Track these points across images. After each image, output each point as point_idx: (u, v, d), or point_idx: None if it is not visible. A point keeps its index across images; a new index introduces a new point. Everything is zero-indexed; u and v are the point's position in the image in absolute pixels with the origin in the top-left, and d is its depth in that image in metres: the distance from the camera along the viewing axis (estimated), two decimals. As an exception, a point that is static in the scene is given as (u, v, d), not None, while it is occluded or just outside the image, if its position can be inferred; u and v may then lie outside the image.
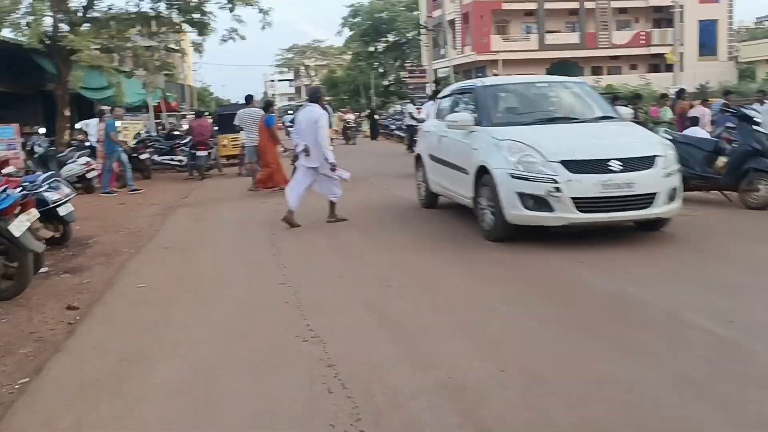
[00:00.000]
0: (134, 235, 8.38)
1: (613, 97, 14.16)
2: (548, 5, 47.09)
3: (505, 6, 46.06)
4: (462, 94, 8.58)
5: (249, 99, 14.02)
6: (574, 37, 48.33)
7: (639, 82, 34.65)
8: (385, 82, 61.27)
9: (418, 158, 9.56)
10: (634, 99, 14.77)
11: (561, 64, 46.46)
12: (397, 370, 3.58)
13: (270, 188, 11.95)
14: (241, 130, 14.17)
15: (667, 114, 13.57)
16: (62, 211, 7.74)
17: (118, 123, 14.29)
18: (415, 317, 4.53)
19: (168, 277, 6.11)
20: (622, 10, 49.07)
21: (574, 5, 47.69)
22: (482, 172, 6.82)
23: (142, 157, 15.90)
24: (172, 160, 17.40)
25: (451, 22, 47.20)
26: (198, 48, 21.69)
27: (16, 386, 3.69)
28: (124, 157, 13.73)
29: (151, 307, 5.13)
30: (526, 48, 47.30)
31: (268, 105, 13.32)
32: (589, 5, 47.41)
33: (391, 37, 61.91)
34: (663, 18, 50.71)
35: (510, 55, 46.08)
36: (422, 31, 52.23)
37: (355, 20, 61.22)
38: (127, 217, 9.94)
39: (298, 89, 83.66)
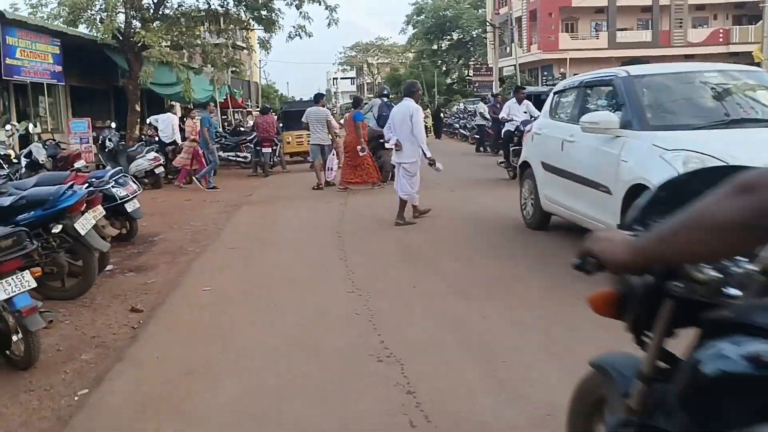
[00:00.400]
0: (199, 233, 8.24)
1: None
2: (620, 2, 45.52)
3: (575, 3, 44.70)
4: (591, 87, 6.76)
5: (318, 98, 13.80)
6: (646, 35, 46.68)
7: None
8: (449, 81, 60.68)
9: (524, 167, 7.87)
10: None
11: (632, 62, 44.92)
12: (486, 401, 3.19)
13: (357, 184, 11.81)
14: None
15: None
16: (129, 207, 7.65)
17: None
18: (499, 336, 4.12)
19: (233, 280, 5.89)
20: (699, 7, 47.07)
21: (647, 2, 46.00)
22: (636, 191, 4.90)
23: (208, 153, 15.95)
24: (237, 156, 17.43)
25: (518, 20, 46.15)
26: (264, 45, 21.73)
27: (75, 398, 3.47)
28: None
29: (216, 312, 4.90)
30: (595, 46, 45.94)
31: (357, 102, 13.16)
32: (663, 1, 45.63)
33: (455, 36, 61.24)
34: (744, 14, 48.45)
35: (578, 53, 44.84)
36: (488, 28, 51.56)
37: (420, 18, 60.80)
38: (193, 215, 9.86)
39: (360, 87, 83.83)
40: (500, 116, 13.30)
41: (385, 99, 13.38)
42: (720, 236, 1.11)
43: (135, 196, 7.74)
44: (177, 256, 6.93)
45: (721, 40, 47.20)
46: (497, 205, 9.14)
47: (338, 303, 4.98)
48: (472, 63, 62.13)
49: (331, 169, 13.06)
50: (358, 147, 11.43)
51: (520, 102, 12.97)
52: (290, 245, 7.41)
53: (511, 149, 11.80)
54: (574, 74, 43.82)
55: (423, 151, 8.10)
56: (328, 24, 17.58)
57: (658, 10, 45.83)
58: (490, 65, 45.46)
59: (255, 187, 13.50)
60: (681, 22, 46.51)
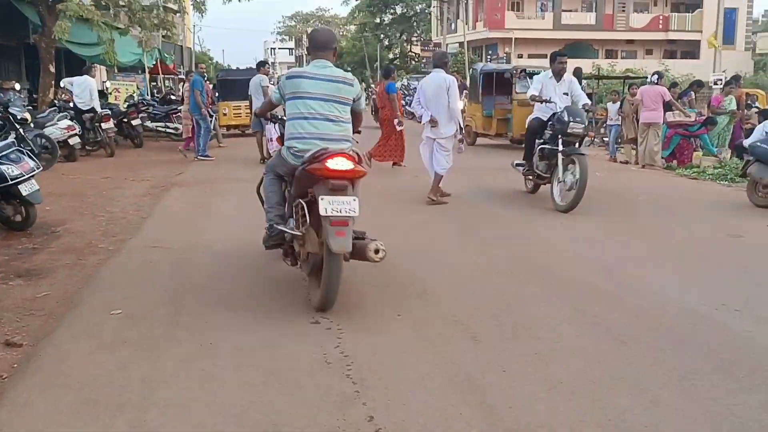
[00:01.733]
0: (115, 224, 6.70)
1: (696, 82, 12.62)
2: (565, -18, 45.07)
3: (522, -19, 43.95)
4: None
5: (261, 65, 12.29)
6: (590, 18, 46.47)
7: (658, 68, 33.11)
8: (391, 56, 59.16)
9: None
10: (693, 86, 13.06)
11: (575, 45, 44.69)
12: None
13: (385, 160, 10.89)
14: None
15: (732, 104, 11.94)
16: (24, 189, 6.10)
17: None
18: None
19: (153, 299, 4.33)
20: (641, -7, 47.16)
21: (593, -16, 45.74)
22: None
23: (134, 122, 14.17)
24: (167, 127, 15.70)
25: (465, -4, 45.03)
26: (199, 6, 19.86)
27: None
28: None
29: (127, 357, 3.40)
30: (540, 27, 45.38)
31: (388, 72, 11.47)
32: (609, -16, 45.45)
33: (398, 9, 59.72)
34: (683, 2, 48.89)
35: (523, 33, 44.18)
36: (433, 3, 50.27)
37: (363, -11, 59.01)
38: (111, 197, 8.27)
39: (299, 58, 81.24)
40: (530, 96, 8.26)
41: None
42: None
43: (32, 176, 6.18)
44: (83, 255, 5.42)
45: (660, 26, 47.48)
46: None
47: (304, 348, 3.51)
48: (415, 39, 60.95)
49: (272, 140, 11.62)
50: (395, 120, 10.43)
51: (559, 77, 8.09)
52: (233, 246, 5.79)
53: (539, 146, 7.96)
54: (519, 55, 43.29)
55: (460, 126, 7.87)
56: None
57: (602, -8, 45.62)
58: (435, 41, 44.25)
59: (187, 164, 11.90)
60: (624, 7, 46.48)
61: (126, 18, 17.63)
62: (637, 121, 12.48)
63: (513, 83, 13.42)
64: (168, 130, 15.63)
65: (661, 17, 47.57)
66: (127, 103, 15.40)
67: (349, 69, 57.62)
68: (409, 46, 59.68)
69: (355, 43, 60.07)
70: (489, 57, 45.93)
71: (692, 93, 11.65)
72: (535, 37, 44.63)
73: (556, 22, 45.41)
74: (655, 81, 11.69)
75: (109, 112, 13.03)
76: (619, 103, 13.17)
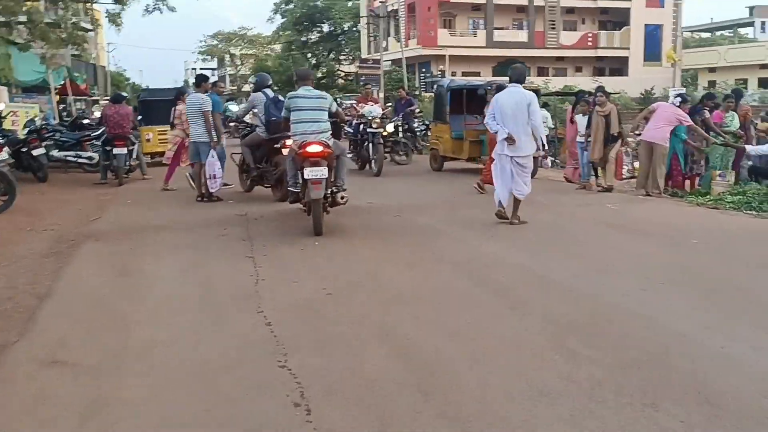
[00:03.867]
0: (-4, 312, 4.48)
1: (708, 95, 11.11)
2: (496, 0, 44.53)
3: (453, -1, 43.13)
4: None
5: (201, 80, 10.06)
6: (522, 35, 46.26)
7: (591, 84, 32.65)
8: (319, 74, 57.30)
9: None
10: (705, 100, 11.29)
11: (508, 62, 44.24)
12: None
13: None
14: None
15: (735, 121, 10.65)
16: None
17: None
18: None
19: None
20: (570, 10, 47.37)
21: (523, 1, 45.45)
22: None
23: (36, 152, 11.66)
24: (79, 157, 13.18)
25: (394, 13, 43.70)
26: (115, 20, 17.47)
27: None
28: None
29: None
30: (473, 44, 44.74)
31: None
32: (538, 2, 45.26)
33: (326, 28, 58.13)
34: (609, 20, 49.45)
35: (456, 50, 43.38)
36: (362, 21, 48.88)
37: (288, 7, 57.02)
38: (-4, 260, 5.97)
39: (222, 78, 78.30)
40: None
41: (270, 93, 9.60)
42: None
43: None
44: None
45: (590, 43, 47.83)
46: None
47: None
48: (343, 57, 59.40)
49: (215, 177, 9.47)
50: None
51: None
52: (183, 356, 3.79)
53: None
54: (452, 72, 42.27)
55: (542, 143, 7.76)
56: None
57: (533, 10, 45.43)
58: (364, 58, 42.68)
59: (105, 204, 9.57)
60: (554, 24, 46.45)
61: (27, 32, 15.05)
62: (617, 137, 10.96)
63: (487, 101, 11.76)
64: (80, 160, 13.14)
65: (590, 35, 47.94)
66: (27, 129, 12.82)
67: (276, 89, 55.36)
68: (337, 65, 58.04)
69: (282, 62, 57.87)
70: (423, 74, 44.85)
71: (705, 111, 10.22)
72: (468, 54, 43.92)
73: (488, 39, 44.86)
74: (677, 104, 10.23)
75: (1, 140, 10.54)
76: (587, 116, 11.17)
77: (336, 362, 3.56)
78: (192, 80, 77.27)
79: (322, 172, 6.64)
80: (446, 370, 3.42)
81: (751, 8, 69.64)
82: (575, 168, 11.33)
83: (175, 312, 4.55)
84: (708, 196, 9.67)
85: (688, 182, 10.53)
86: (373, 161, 12.52)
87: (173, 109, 11.44)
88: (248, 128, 9.96)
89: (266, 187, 9.68)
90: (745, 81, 40.89)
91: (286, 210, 8.38)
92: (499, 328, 4.05)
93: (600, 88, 10.93)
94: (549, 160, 8.37)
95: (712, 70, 44.26)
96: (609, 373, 3.29)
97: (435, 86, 13.29)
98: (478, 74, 41.01)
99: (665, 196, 9.88)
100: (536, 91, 12.34)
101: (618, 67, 47.94)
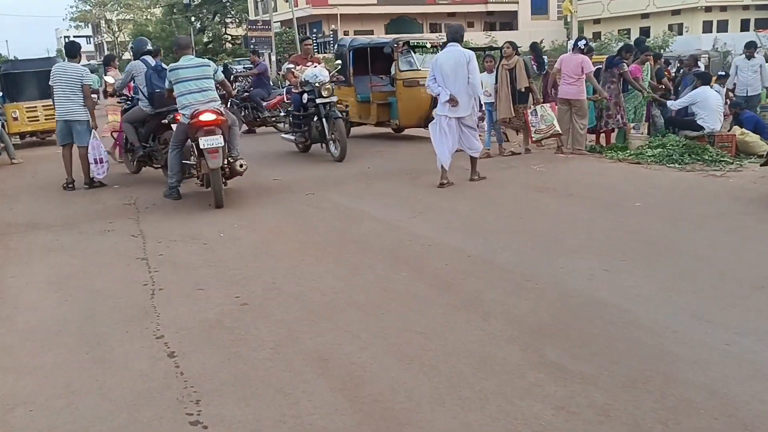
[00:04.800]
0: None
1: (626, 47, 10.42)
2: (387, -44, 43.44)
3: (342, -45, 41.58)
4: None
5: (75, 50, 8.59)
6: (415, -8, 45.42)
7: (485, 39, 32.58)
8: (205, 39, 54.30)
9: None
10: (622, 52, 10.75)
11: (400, 19, 43.48)
12: None
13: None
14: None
15: (650, 72, 10.39)
16: None
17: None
18: None
19: None
20: (459, -35, 46.92)
21: (413, -43, 44.58)
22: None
23: None
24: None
25: (282, -29, 41.66)
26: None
27: None
28: None
29: None
30: (365, 2, 43.51)
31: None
32: (428, -42, 44.56)
33: (209, -12, 55.01)
34: (498, -26, 49.52)
35: (348, 9, 42.07)
36: (248, -20, 46.42)
37: (167, -33, 53.46)
38: None
39: (98, 46, 73.05)
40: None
41: (153, 60, 8.39)
42: None
43: None
44: None
45: (480, -1, 47.76)
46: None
47: None
48: (230, 20, 56.59)
49: (100, 162, 8.22)
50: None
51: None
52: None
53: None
54: (345, 32, 41.13)
55: (480, 102, 7.88)
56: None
57: (424, -35, 44.67)
58: (253, 20, 40.51)
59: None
60: (445, -21, 45.95)
61: None
62: (547, 95, 10.59)
63: (395, 59, 10.96)
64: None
65: (481, -10, 47.87)
66: None
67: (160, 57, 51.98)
68: (223, 29, 55.26)
69: (164, 27, 54.39)
70: (314, 35, 43.33)
71: (624, 63, 9.80)
72: (360, 13, 42.77)
73: (381, -4, 43.78)
74: (582, 47, 9.71)
75: None
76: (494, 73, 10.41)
77: (265, 409, 2.74)
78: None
79: (218, 140, 6.43)
80: (409, 408, 2.68)
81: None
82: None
83: (45, 347, 3.55)
84: (627, 151, 9.39)
85: (603, 137, 10.22)
86: (332, 142, 9.55)
87: (104, 77, 10.26)
88: (128, 102, 8.71)
89: (156, 167, 8.59)
90: (628, 31, 42.24)
91: (182, 192, 7.34)
92: (460, 338, 3.33)
93: (512, 44, 10.23)
94: (484, 123, 8.03)
95: (596, 21, 45.40)
96: (612, 397, 2.65)
97: (336, 46, 12.28)
98: (371, 32, 40.01)
99: (586, 153, 9.51)
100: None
101: (508, 21, 48.34)
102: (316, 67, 9.71)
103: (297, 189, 7.57)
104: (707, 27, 43.31)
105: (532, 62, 10.89)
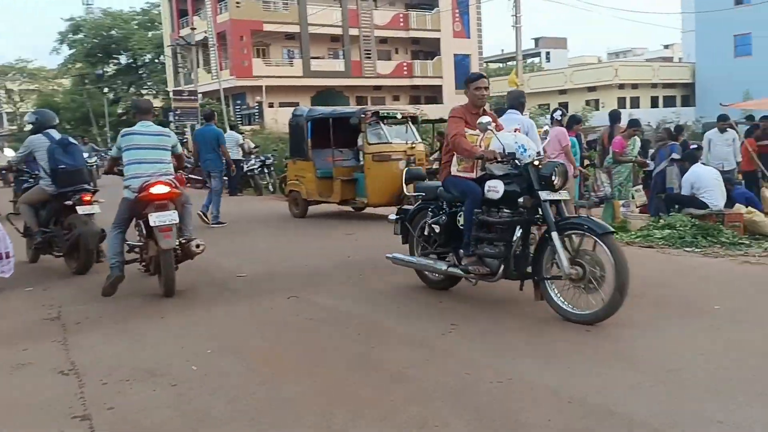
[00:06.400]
0: None
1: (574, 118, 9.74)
2: (310, 30, 43.17)
3: (267, 27, 40.96)
4: None
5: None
6: (339, 65, 45.33)
7: (414, 112, 32.34)
8: (120, 110, 51.99)
9: None
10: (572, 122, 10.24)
11: (326, 92, 42.97)
12: None
13: None
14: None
15: (636, 149, 9.65)
16: None
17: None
18: None
19: None
20: (383, 40, 47.40)
21: (337, 31, 44.58)
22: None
23: None
24: None
25: (203, 43, 40.33)
26: None
27: None
28: None
29: None
30: (290, 74, 42.90)
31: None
32: (352, 32, 44.62)
33: (123, 59, 53.15)
34: (421, 50, 50.29)
35: (273, 81, 41.24)
36: (168, 51, 44.90)
37: (77, 37, 51.30)
38: None
39: None
40: None
41: (56, 134, 7.07)
42: None
43: None
44: None
45: (405, 72, 48.15)
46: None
47: None
48: (146, 90, 54.66)
49: (7, 257, 6.42)
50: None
51: None
52: None
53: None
54: (270, 104, 40.19)
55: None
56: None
57: (348, 40, 44.68)
58: (178, 89, 38.86)
59: None
60: (369, 54, 46.07)
61: None
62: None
63: (363, 131, 9.71)
64: None
65: (405, 64, 48.31)
66: None
67: (68, 127, 49.18)
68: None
69: (75, 97, 51.78)
70: (238, 106, 42.05)
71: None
72: (286, 84, 41.99)
73: (306, 69, 43.27)
74: (558, 118, 8.86)
75: None
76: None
77: None
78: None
79: (172, 216, 5.57)
80: None
81: (537, 39, 76.06)
82: None
83: None
84: (632, 233, 8.42)
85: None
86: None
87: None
88: (31, 179, 7.33)
89: (57, 256, 7.19)
90: (548, 105, 43.33)
91: (118, 292, 5.65)
92: None
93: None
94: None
95: (517, 96, 46.32)
96: None
97: (291, 116, 10.94)
98: (297, 104, 39.10)
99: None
100: (414, 118, 10.64)
101: (433, 95, 48.84)
102: (515, 131, 5.41)
103: (272, 288, 6.01)
104: (621, 103, 45.14)
105: None
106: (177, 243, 5.70)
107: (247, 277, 6.55)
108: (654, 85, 47.80)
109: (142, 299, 5.77)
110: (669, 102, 47.56)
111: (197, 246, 5.82)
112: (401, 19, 46.86)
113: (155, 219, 5.45)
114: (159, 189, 5.61)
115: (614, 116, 10.21)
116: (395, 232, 6.02)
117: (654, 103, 47.13)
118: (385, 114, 10.09)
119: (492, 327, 4.60)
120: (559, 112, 8.93)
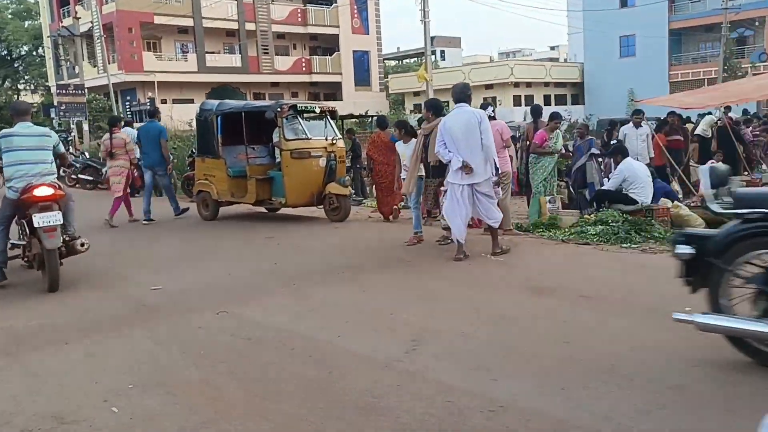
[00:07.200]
0: None
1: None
2: (205, 23, 41.41)
3: (158, 20, 38.85)
4: None
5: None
6: (235, 60, 43.85)
7: (332, 107, 31.56)
8: (-6, 107, 47.91)
9: None
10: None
11: (222, 88, 41.35)
12: None
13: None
14: None
15: (560, 142, 9.52)
16: None
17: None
18: None
19: None
20: (281, 35, 46.31)
21: (233, 26, 43.04)
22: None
23: None
24: None
25: (88, 34, 37.66)
26: None
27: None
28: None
29: None
30: (184, 69, 40.99)
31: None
32: (249, 27, 43.22)
33: (-3, 52, 49.15)
34: (319, 46, 49.53)
35: (166, 76, 39.26)
36: (47, 43, 41.66)
37: (-59, 27, 46.88)
38: None
39: None
40: None
41: None
42: None
43: None
44: None
45: (304, 69, 47.27)
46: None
47: None
48: (23, 85, 50.75)
49: None
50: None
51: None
52: None
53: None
54: (163, 100, 38.26)
55: (496, 166, 6.60)
56: None
57: (244, 35, 43.24)
58: (63, 84, 36.10)
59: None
60: (267, 49, 44.82)
61: None
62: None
63: (279, 126, 9.00)
64: None
65: (303, 60, 47.41)
66: None
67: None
68: (15, 95, 49.22)
69: (-60, 92, 47.29)
70: (127, 102, 39.66)
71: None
72: (179, 80, 40.11)
73: (200, 64, 41.50)
74: (491, 114, 8.58)
75: None
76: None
77: None
78: None
79: (56, 217, 5.77)
80: None
81: (432, 38, 77.12)
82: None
83: None
84: (564, 230, 8.25)
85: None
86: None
87: (108, 138, 10.01)
88: None
89: None
90: (448, 103, 43.86)
91: (1, 306, 4.73)
92: None
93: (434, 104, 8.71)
94: (500, 189, 7.15)
95: (416, 93, 46.72)
96: None
97: (198, 110, 10.06)
98: (191, 101, 37.38)
99: (518, 233, 8.22)
100: (332, 112, 10.06)
101: (332, 91, 48.27)
102: None
103: (195, 303, 5.28)
104: (517, 101, 46.50)
105: None
106: (62, 241, 5.85)
107: (163, 290, 5.77)
108: (547, 84, 49.46)
109: (38, 324, 4.89)
110: (560, 100, 49.37)
111: (82, 245, 6.00)
112: (299, 14, 45.88)
113: (39, 220, 5.64)
114: (42, 191, 5.77)
115: (536, 111, 10.07)
116: (681, 275, 3.67)
117: (547, 101, 48.74)
118: (303, 108, 9.42)
119: (459, 341, 4.13)
120: (490, 108, 8.66)
